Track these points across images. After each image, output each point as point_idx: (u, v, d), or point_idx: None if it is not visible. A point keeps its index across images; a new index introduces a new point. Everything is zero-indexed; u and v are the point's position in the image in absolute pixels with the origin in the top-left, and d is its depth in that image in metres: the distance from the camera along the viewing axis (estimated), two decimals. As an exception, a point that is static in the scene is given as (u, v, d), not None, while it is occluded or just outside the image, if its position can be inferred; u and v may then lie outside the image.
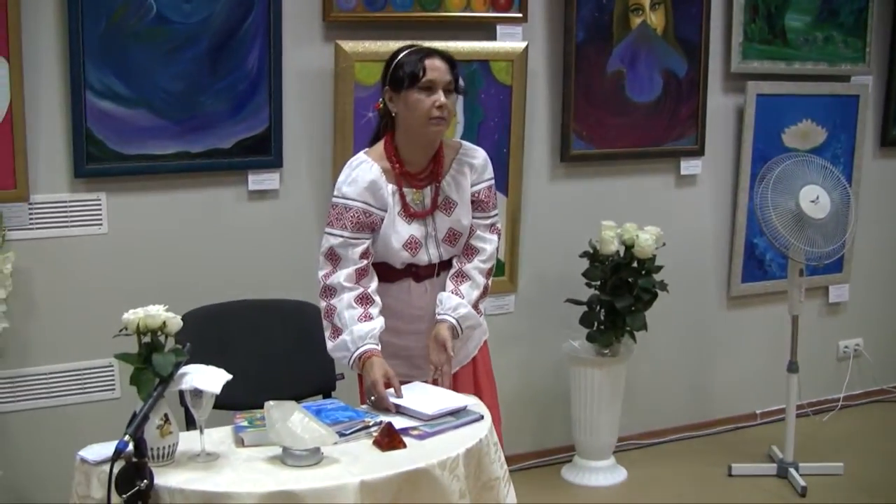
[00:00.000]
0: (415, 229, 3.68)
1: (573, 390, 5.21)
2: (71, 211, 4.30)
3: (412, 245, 3.67)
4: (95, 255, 4.36)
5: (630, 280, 5.03)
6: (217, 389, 3.00)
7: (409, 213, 3.66)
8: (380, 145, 3.68)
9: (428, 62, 3.55)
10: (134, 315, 3.02)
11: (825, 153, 5.82)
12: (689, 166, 5.59)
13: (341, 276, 3.57)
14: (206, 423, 3.08)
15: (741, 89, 5.63)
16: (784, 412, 5.40)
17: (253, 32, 4.43)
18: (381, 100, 3.69)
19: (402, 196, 3.66)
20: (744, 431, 5.99)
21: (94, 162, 4.24)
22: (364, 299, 3.60)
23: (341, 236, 3.58)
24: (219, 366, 3.10)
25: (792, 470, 5.28)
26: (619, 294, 5.01)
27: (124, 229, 4.38)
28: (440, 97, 3.53)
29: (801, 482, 5.16)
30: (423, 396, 3.50)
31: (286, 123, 4.55)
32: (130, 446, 2.64)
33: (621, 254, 5.07)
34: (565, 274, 5.16)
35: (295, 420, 3.02)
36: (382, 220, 3.62)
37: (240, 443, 3.17)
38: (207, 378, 3.02)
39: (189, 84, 4.35)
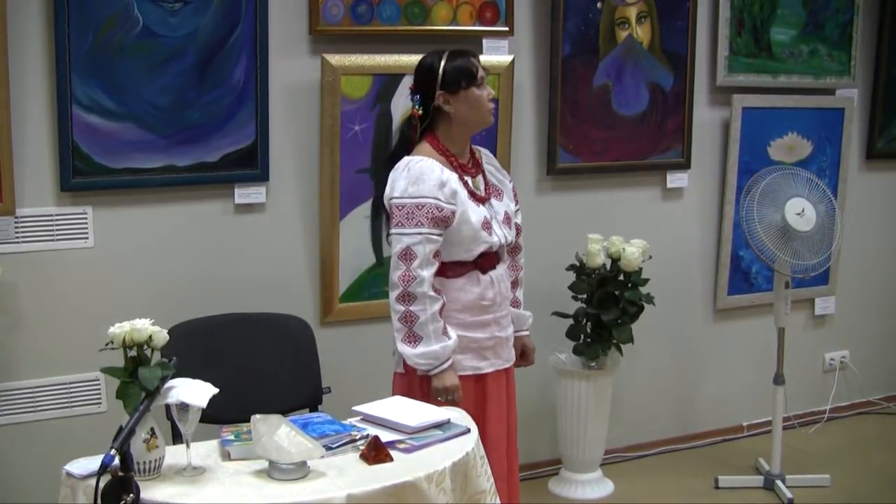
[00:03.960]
0: (483, 211, 3.84)
1: (560, 403, 5.21)
2: (57, 225, 4.29)
3: (486, 224, 3.82)
4: (81, 269, 4.34)
5: (616, 293, 5.04)
6: (203, 403, 3.00)
7: (476, 198, 3.83)
8: (425, 146, 3.81)
9: (473, 59, 3.81)
10: (120, 329, 3.01)
11: (811, 166, 5.83)
12: (675, 179, 5.61)
13: (424, 284, 3.67)
14: (193, 437, 3.07)
15: (727, 102, 5.65)
16: (771, 424, 5.42)
17: (239, 46, 4.43)
18: (416, 107, 3.83)
19: (465, 183, 3.81)
20: (731, 444, 5.99)
21: (80, 175, 4.23)
22: (441, 311, 3.73)
23: (418, 233, 3.66)
24: (205, 379, 3.10)
25: (779, 482, 5.29)
26: (606, 307, 5.02)
27: (110, 243, 4.37)
28: (489, 89, 3.84)
29: (788, 494, 5.17)
30: (405, 410, 3.50)
31: (273, 137, 4.55)
32: (117, 460, 2.63)
33: (608, 267, 5.08)
34: (552, 287, 5.16)
35: (281, 434, 3.02)
36: (453, 213, 3.73)
37: (226, 456, 3.17)
38: (194, 392, 3.02)
39: (176, 98, 4.35)
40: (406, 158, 3.77)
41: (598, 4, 5.16)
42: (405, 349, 3.72)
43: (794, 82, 5.86)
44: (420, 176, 3.70)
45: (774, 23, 5.73)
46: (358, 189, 4.73)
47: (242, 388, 3.99)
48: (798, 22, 5.79)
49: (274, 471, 3.00)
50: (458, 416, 3.55)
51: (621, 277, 5.07)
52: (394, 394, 3.83)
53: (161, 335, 3.06)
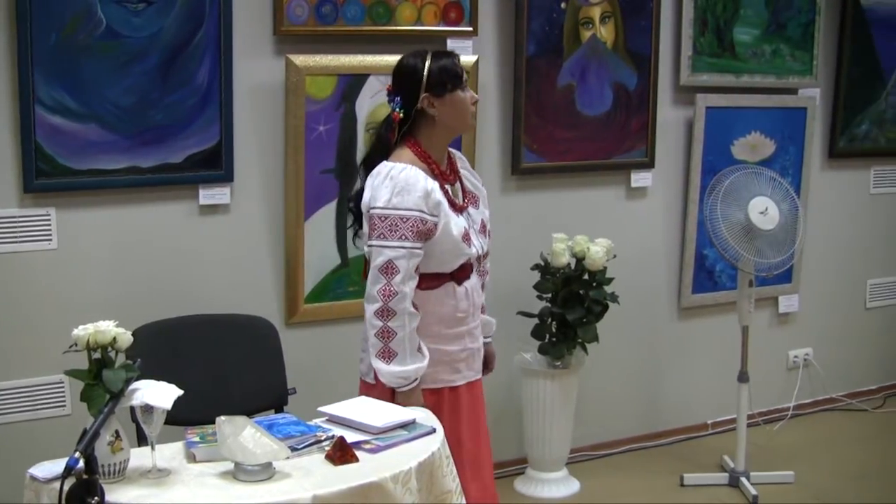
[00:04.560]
0: (462, 222, 3.73)
1: (525, 402, 5.23)
2: (20, 226, 4.26)
3: (466, 236, 3.72)
4: (45, 271, 4.32)
5: (581, 292, 5.06)
6: (168, 405, 2.99)
7: (455, 208, 3.72)
8: (406, 152, 3.67)
9: (457, 61, 3.71)
10: (84, 331, 3.00)
11: (774, 165, 5.87)
12: (639, 178, 5.63)
13: (406, 300, 3.57)
14: (158, 439, 3.06)
15: (691, 102, 5.68)
16: (735, 422, 5.46)
17: (203, 46, 4.41)
18: (397, 110, 3.68)
19: (446, 192, 3.71)
20: (695, 441, 6.02)
21: (43, 177, 4.20)
22: (417, 329, 3.63)
23: (402, 247, 3.55)
24: (170, 381, 3.09)
25: (743, 479, 5.32)
26: (571, 306, 5.03)
27: (74, 244, 4.35)
28: (472, 93, 3.75)
29: (753, 491, 5.20)
30: (371, 410, 3.50)
31: (237, 138, 4.54)
32: (81, 463, 2.62)
33: (572, 266, 5.09)
34: (517, 286, 5.17)
35: (247, 435, 3.01)
36: (436, 225, 3.61)
37: (191, 458, 3.15)
38: (158, 394, 3.01)
39: (139, 98, 4.33)
40: (388, 165, 3.63)
41: (562, 4, 5.17)
42: (379, 364, 3.62)
43: (757, 82, 5.89)
44: (405, 186, 3.57)
45: (737, 23, 5.76)
46: (323, 189, 4.72)
47: (207, 389, 3.98)
48: (761, 22, 5.83)
49: (239, 472, 3.00)
50: (424, 416, 3.55)
51: (586, 277, 5.09)
52: None
53: (125, 337, 3.04)
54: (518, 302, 5.13)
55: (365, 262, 3.74)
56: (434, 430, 3.41)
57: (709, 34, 5.67)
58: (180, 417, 3.22)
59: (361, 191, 3.73)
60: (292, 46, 4.59)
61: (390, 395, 3.69)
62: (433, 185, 3.64)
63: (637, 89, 5.46)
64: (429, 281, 3.69)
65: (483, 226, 3.87)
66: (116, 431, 2.94)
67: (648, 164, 5.62)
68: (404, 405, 3.59)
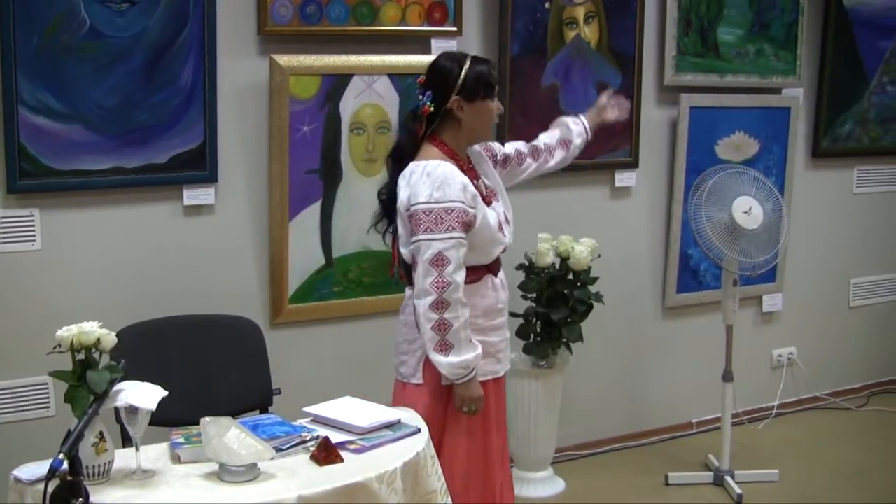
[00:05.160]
0: (494, 213, 3.84)
1: (510, 402, 5.19)
2: (4, 227, 4.24)
3: (499, 226, 3.84)
4: (28, 272, 4.30)
5: (566, 292, 5.06)
6: (152, 406, 2.99)
7: (485, 200, 3.82)
8: (433, 149, 3.75)
9: (494, 72, 3.81)
10: (68, 332, 3.00)
11: (758, 164, 5.88)
12: (623, 178, 5.64)
13: (459, 290, 3.63)
14: (142, 440, 3.06)
15: (675, 102, 5.69)
16: (720, 421, 5.47)
17: (187, 46, 4.41)
18: (427, 104, 3.75)
19: (476, 186, 3.79)
20: (680, 440, 6.03)
21: (27, 177, 4.19)
22: (469, 319, 3.70)
23: (450, 237, 3.61)
24: (155, 382, 3.09)
25: (728, 478, 5.34)
26: (555, 306, 5.04)
27: (58, 245, 4.34)
28: (500, 104, 3.87)
29: (738, 490, 5.22)
30: (356, 410, 3.51)
31: (221, 138, 4.53)
32: (65, 464, 2.62)
33: (557, 266, 5.10)
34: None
35: (231, 436, 3.02)
36: (475, 217, 3.69)
37: (176, 459, 3.16)
38: (143, 395, 3.01)
39: (123, 99, 4.32)
40: (421, 163, 3.69)
41: (547, 4, 5.18)
42: (438, 358, 3.65)
43: (741, 82, 5.91)
44: (444, 180, 3.62)
45: (721, 23, 5.77)
46: (307, 190, 4.72)
47: (192, 390, 3.98)
48: (745, 22, 5.84)
49: (224, 473, 3.00)
50: (409, 416, 3.56)
51: (570, 276, 5.09)
52: (405, 405, 3.77)
53: (109, 338, 3.04)
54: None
55: (394, 257, 3.85)
56: (419, 430, 3.42)
57: (693, 34, 5.68)
58: (165, 418, 3.22)
59: (391, 183, 3.83)
60: (276, 46, 4.58)
61: (444, 392, 3.78)
62: (467, 179, 3.72)
63: (621, 89, 5.45)
64: (470, 274, 3.74)
65: (507, 218, 3.96)
66: (101, 433, 2.94)
67: (633, 164, 5.63)
68: (464, 397, 3.72)
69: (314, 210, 4.76)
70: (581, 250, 5.03)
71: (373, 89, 4.77)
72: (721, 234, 5.07)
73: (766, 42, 5.95)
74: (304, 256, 4.77)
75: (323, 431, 3.34)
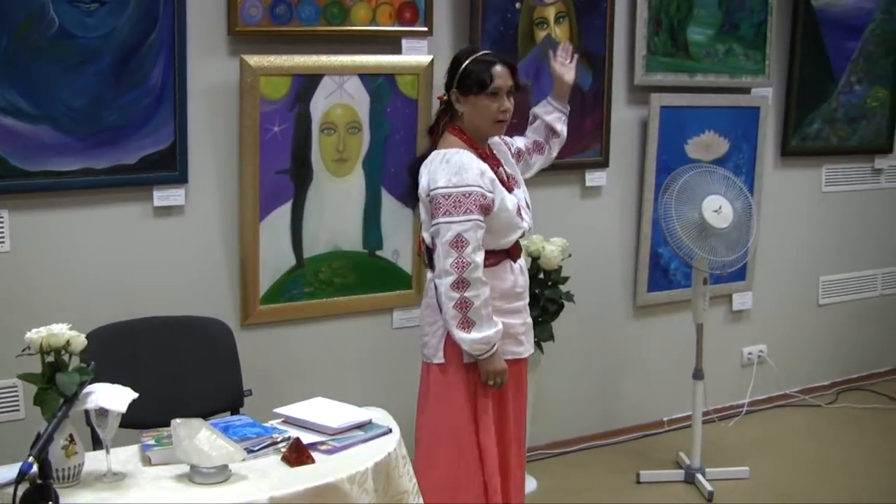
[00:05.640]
0: (514, 198, 3.98)
1: (482, 401, 5.24)
2: (-27, 229, 4.24)
3: (518, 211, 3.97)
4: (-2, 274, 4.30)
5: (537, 291, 5.06)
6: (123, 408, 2.99)
7: (505, 186, 3.97)
8: (452, 138, 3.93)
9: (494, 70, 3.89)
10: (37, 334, 2.99)
11: (728, 164, 5.91)
12: (593, 178, 5.65)
13: (478, 269, 3.77)
14: (113, 443, 3.06)
15: (645, 101, 5.71)
16: (691, 419, 5.49)
17: (157, 47, 4.39)
18: (443, 92, 4.01)
19: (496, 172, 3.95)
20: (651, 439, 6.06)
21: (-5, 179, 4.18)
22: (489, 298, 3.84)
23: (468, 220, 3.76)
24: (125, 384, 3.09)
25: (699, 475, 5.36)
26: (527, 305, 5.04)
27: (27, 247, 4.31)
28: (504, 102, 3.92)
29: (709, 487, 5.24)
30: (327, 411, 3.51)
31: (191, 138, 4.51)
32: (35, 468, 2.61)
33: (528, 265, 5.10)
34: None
35: (202, 437, 3.01)
36: (493, 201, 3.84)
37: (147, 461, 3.15)
38: (113, 397, 3.00)
39: (93, 99, 4.29)
40: (440, 152, 3.88)
41: (517, 5, 5.19)
42: (461, 335, 3.80)
43: (711, 81, 5.93)
44: (462, 166, 3.80)
45: (691, 23, 5.79)
46: (278, 190, 4.71)
47: (162, 392, 3.97)
48: (714, 22, 5.87)
49: (195, 475, 3.00)
50: (380, 416, 3.56)
51: (541, 276, 5.10)
52: (430, 386, 4.00)
53: (79, 340, 3.04)
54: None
55: (422, 240, 3.98)
56: (390, 431, 3.42)
57: (663, 34, 5.70)
58: (135, 420, 3.22)
59: (419, 159, 4.03)
60: (247, 46, 4.57)
61: (470, 371, 3.94)
62: (485, 166, 3.88)
63: (592, 89, 5.48)
64: (489, 258, 3.88)
65: (527, 204, 4.10)
66: (70, 435, 2.93)
67: (603, 164, 5.64)
68: (489, 371, 3.88)
69: (285, 210, 4.75)
70: (552, 250, 5.04)
71: (343, 89, 4.77)
72: (691, 232, 5.09)
73: (736, 42, 5.97)
74: (274, 257, 4.76)
75: (294, 432, 3.34)
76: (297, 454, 3.16)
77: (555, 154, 4.49)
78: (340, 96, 4.76)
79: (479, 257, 3.78)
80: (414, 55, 4.91)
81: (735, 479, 5.44)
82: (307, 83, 4.68)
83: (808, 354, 6.77)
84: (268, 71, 4.56)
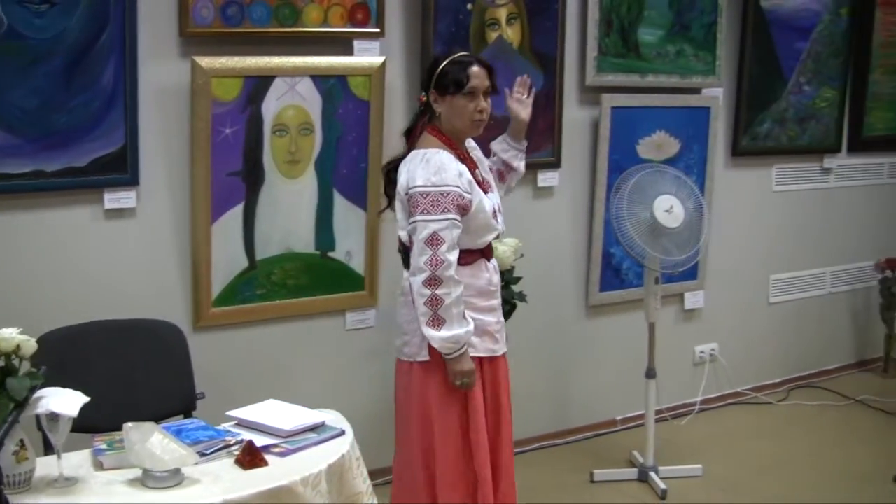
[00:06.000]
0: (490, 200, 4.05)
1: (436, 402, 5.24)
2: (-79, 232, 4.20)
3: (494, 213, 4.05)
4: (-53, 277, 4.26)
5: (490, 291, 5.08)
6: (74, 412, 2.97)
7: (482, 187, 4.05)
8: (432, 138, 4.00)
9: (471, 70, 3.96)
10: (-13, 339, 2.97)
11: (679, 164, 5.95)
12: (546, 178, 5.67)
13: (451, 268, 3.83)
14: (64, 447, 3.04)
15: (596, 102, 5.73)
16: (644, 417, 5.53)
17: (108, 48, 4.36)
18: (423, 93, 4.07)
19: (473, 174, 4.02)
20: (605, 438, 6.08)
21: (-55, 182, 4.14)
22: (461, 297, 3.88)
23: (445, 219, 3.82)
24: (77, 388, 3.07)
25: (652, 474, 5.39)
26: (480, 306, 5.05)
27: (-23, 250, 4.29)
28: (481, 102, 4.00)
29: (662, 485, 5.27)
30: (280, 413, 3.51)
31: (143, 141, 4.49)
32: (-15, 474, 2.60)
33: (481, 265, 5.11)
34: (426, 287, 5.18)
35: (154, 441, 3.01)
36: (470, 202, 3.91)
37: (99, 466, 3.14)
38: (64, 401, 2.99)
39: (43, 101, 4.26)
40: (420, 151, 3.95)
41: (469, 6, 5.19)
42: (430, 332, 3.84)
43: (662, 82, 5.97)
44: (441, 166, 3.86)
45: (642, 24, 5.82)
46: (230, 192, 4.69)
47: (114, 396, 3.95)
48: (665, 23, 5.90)
49: (148, 479, 2.99)
50: (334, 418, 3.56)
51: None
52: (413, 385, 4.02)
53: (30, 344, 3.02)
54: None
55: (399, 239, 4.04)
56: (343, 433, 3.43)
57: (614, 35, 5.73)
58: (87, 425, 3.21)
59: (395, 159, 4.12)
60: (198, 48, 4.55)
61: (442, 371, 3.96)
62: (463, 167, 3.95)
63: (543, 90, 5.49)
64: (464, 257, 3.95)
65: (500, 207, 4.16)
66: (21, 441, 2.92)
67: (555, 164, 5.67)
68: (456, 371, 3.90)
69: (237, 212, 4.74)
70: (504, 250, 5.04)
71: (295, 91, 4.76)
72: (643, 232, 5.12)
73: (686, 42, 6.01)
74: (227, 259, 4.75)
75: (247, 435, 3.34)
76: (250, 457, 3.16)
77: (513, 185, 4.57)
78: (292, 98, 4.76)
79: (454, 256, 3.83)
80: (366, 56, 4.91)
81: (688, 476, 5.48)
82: (259, 85, 4.67)
83: (759, 352, 6.83)
84: (219, 72, 4.55)
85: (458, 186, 3.86)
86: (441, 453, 3.99)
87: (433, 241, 3.79)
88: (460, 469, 3.99)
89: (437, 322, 3.82)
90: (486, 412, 4.07)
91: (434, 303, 3.81)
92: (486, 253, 4.11)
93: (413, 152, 3.99)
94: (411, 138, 4.08)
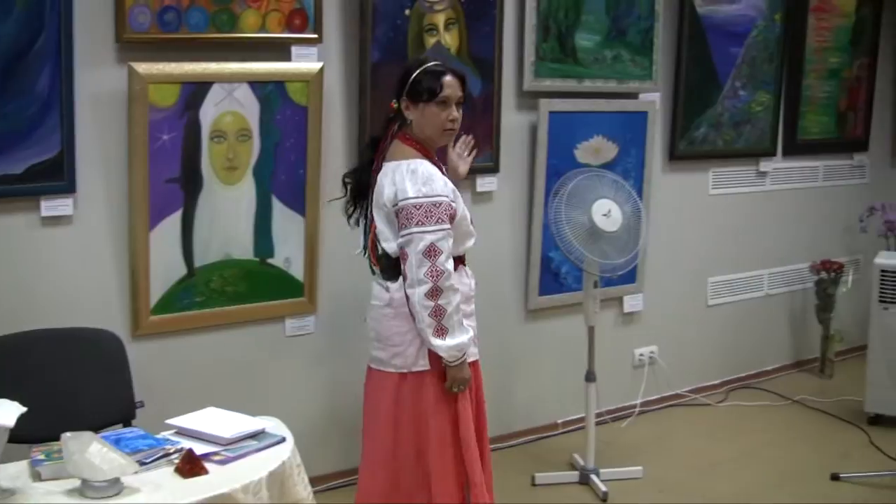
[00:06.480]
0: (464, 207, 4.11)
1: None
2: None
3: (470, 220, 4.14)
4: None
5: (430, 296, 5.08)
6: (10, 422, 2.95)
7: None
8: (406, 148, 4.01)
9: (444, 80, 3.99)
10: (-79, 349, 2.94)
11: (616, 168, 5.99)
12: (484, 183, 5.68)
13: (451, 277, 3.88)
14: (1, 458, 3.01)
15: (534, 107, 5.75)
16: (584, 421, 5.55)
17: (43, 54, 4.31)
18: (393, 100, 4.07)
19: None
20: (546, 441, 6.10)
21: None
22: (460, 304, 3.95)
23: (440, 229, 3.87)
24: (14, 398, 3.05)
25: (593, 476, 5.42)
26: (420, 311, 5.05)
27: (-90, 259, 4.24)
28: (453, 112, 4.02)
29: (603, 487, 5.30)
30: (220, 421, 3.49)
31: (79, 147, 4.45)
32: (-80, 486, 2.57)
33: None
34: (364, 292, 5.15)
35: (93, 451, 2.98)
36: (456, 210, 3.98)
37: (37, 477, 3.12)
38: (0, 411, 2.96)
39: (-23, 108, 4.23)
40: (402, 162, 3.95)
41: (407, 11, 5.20)
42: (437, 342, 3.90)
43: (599, 87, 6.00)
44: (428, 176, 3.90)
45: (579, 29, 5.85)
46: (168, 199, 4.66)
47: (52, 405, 3.92)
48: (602, 28, 5.94)
49: (87, 489, 2.97)
50: (274, 425, 3.55)
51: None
52: (405, 395, 4.05)
53: (-35, 355, 2.99)
54: (365, 308, 5.12)
55: (373, 248, 4.11)
56: (284, 440, 3.42)
57: (551, 40, 5.75)
58: (24, 435, 3.18)
59: (359, 169, 4.20)
60: (135, 54, 4.51)
61: (440, 378, 4.03)
62: (445, 176, 4.01)
63: (482, 95, 5.51)
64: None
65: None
66: (-43, 452, 2.89)
67: (493, 169, 5.68)
68: (457, 378, 4.00)
69: (175, 219, 4.70)
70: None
71: (233, 97, 4.74)
72: (581, 236, 5.15)
73: (623, 47, 6.05)
74: (165, 267, 4.72)
75: (187, 443, 3.33)
76: (190, 465, 3.15)
77: None
78: (230, 104, 4.74)
79: (450, 265, 3.89)
80: (304, 62, 4.91)
81: (629, 478, 5.52)
82: (196, 91, 4.65)
83: (697, 354, 6.89)
84: (156, 79, 4.52)
85: (447, 196, 3.91)
86: (437, 455, 4.05)
87: (431, 252, 3.84)
88: (452, 470, 4.06)
89: (441, 331, 3.89)
90: (484, 413, 4.24)
91: (438, 313, 3.86)
92: (463, 259, 4.17)
93: (393, 163, 3.99)
94: (381, 145, 4.09)
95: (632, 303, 6.49)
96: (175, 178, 4.67)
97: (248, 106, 4.79)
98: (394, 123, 4.09)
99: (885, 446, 5.86)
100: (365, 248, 4.22)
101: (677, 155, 6.53)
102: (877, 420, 6.36)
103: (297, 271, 5.07)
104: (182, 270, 4.76)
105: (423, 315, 3.87)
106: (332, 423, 5.34)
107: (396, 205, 3.90)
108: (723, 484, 5.48)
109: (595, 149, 6.01)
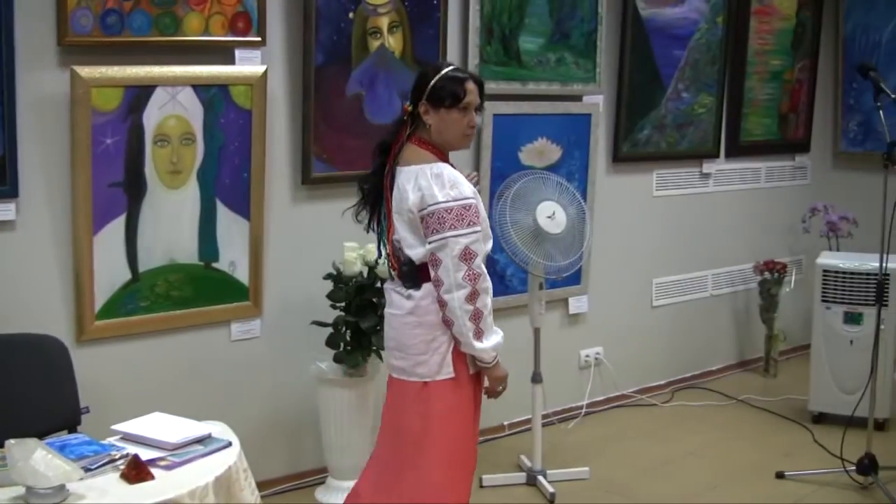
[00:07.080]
0: None
1: (322, 411, 5.22)
2: None
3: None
4: None
5: (374, 300, 5.07)
6: (-47, 430, 2.92)
7: None
8: (423, 152, 3.94)
9: (467, 86, 3.94)
10: None
11: (561, 170, 6.02)
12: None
13: (487, 279, 3.86)
14: (-57, 466, 2.98)
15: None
16: (531, 422, 5.57)
17: (-17, 58, 4.29)
18: (407, 103, 4.01)
19: None
20: (493, 443, 6.11)
21: None
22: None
23: (473, 232, 3.81)
24: (-45, 405, 3.02)
25: (540, 477, 5.44)
26: (364, 314, 5.04)
27: None
28: (473, 118, 3.99)
29: (550, 489, 5.32)
30: (165, 426, 3.48)
31: (21, 152, 4.40)
32: None
33: (365, 274, 5.11)
34: (310, 296, 5.17)
35: (37, 458, 2.96)
36: (482, 212, 3.94)
37: (-20, 484, 3.09)
38: (-57, 419, 2.94)
39: (-85, 112, 4.18)
40: (425, 167, 3.88)
41: (350, 14, 5.20)
42: (478, 345, 3.88)
43: (543, 89, 6.03)
44: (454, 180, 3.85)
45: (523, 32, 5.88)
46: (111, 203, 4.63)
47: (-4, 412, 3.89)
48: (545, 31, 5.97)
49: (31, 496, 2.95)
50: (220, 429, 3.54)
51: (378, 284, 5.11)
52: (431, 403, 3.96)
53: None
54: (311, 311, 5.13)
55: (392, 254, 4.05)
56: (230, 444, 3.41)
57: (495, 43, 5.78)
58: (-33, 442, 3.14)
59: (374, 175, 4.12)
60: (77, 57, 4.48)
61: (472, 383, 4.07)
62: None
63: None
64: None
65: None
66: None
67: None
68: (498, 377, 4.08)
69: (119, 224, 4.67)
70: (351, 255, 5.05)
71: (176, 100, 4.72)
72: (526, 238, 5.17)
73: (567, 50, 6.08)
74: (109, 271, 4.68)
75: (132, 449, 3.31)
76: (136, 471, 3.13)
77: None
78: (173, 107, 4.71)
79: (488, 277, 3.86)
80: (247, 65, 4.89)
81: (576, 479, 5.55)
82: (140, 94, 4.62)
83: (643, 355, 6.94)
84: (99, 82, 4.49)
85: (474, 198, 3.87)
86: (459, 462, 4.06)
87: (467, 255, 3.79)
88: (468, 475, 4.12)
89: (480, 334, 3.87)
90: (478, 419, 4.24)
91: (477, 316, 3.84)
92: None
93: (414, 167, 3.91)
94: (393, 148, 4.03)
95: (577, 304, 6.52)
96: (118, 183, 4.64)
97: (191, 109, 4.77)
98: (405, 127, 4.01)
99: (829, 444, 5.91)
100: (383, 254, 4.18)
101: (621, 157, 6.57)
102: (820, 418, 6.44)
103: (242, 275, 5.05)
104: (126, 275, 4.73)
105: (465, 320, 3.83)
106: (279, 427, 5.33)
107: (424, 209, 3.83)
108: (669, 484, 5.52)
109: (539, 151, 6.04)
